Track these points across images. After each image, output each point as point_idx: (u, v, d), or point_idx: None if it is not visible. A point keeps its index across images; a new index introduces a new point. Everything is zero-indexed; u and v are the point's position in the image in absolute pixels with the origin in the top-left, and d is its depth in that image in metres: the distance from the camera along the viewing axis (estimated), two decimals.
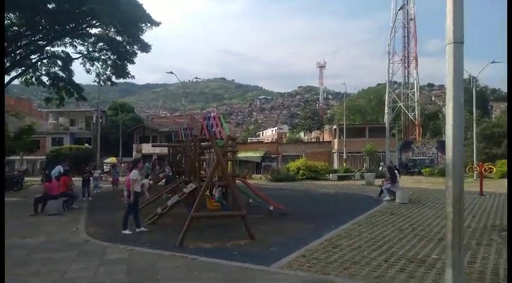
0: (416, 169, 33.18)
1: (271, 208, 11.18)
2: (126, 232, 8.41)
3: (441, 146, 33.97)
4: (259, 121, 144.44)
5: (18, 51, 23.69)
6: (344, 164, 33.06)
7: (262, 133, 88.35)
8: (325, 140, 44.07)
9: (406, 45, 45.51)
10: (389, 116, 35.53)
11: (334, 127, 40.53)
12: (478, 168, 20.06)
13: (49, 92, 26.49)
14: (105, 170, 27.79)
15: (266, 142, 48.94)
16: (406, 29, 45.28)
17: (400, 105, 45.52)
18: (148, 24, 23.22)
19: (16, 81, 26.08)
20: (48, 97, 26.89)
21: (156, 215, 9.62)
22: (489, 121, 37.62)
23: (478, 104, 29.95)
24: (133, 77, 26.68)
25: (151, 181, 18.68)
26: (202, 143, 11.86)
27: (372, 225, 9.07)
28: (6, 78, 24.39)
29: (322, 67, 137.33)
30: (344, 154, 34.39)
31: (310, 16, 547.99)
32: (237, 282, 5.09)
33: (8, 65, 23.74)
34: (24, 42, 23.52)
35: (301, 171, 27.89)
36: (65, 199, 12.59)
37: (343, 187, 21.31)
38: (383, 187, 14.51)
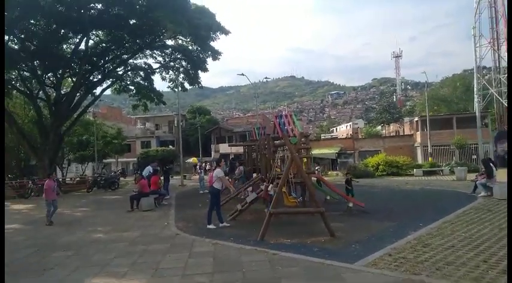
0: None
1: (351, 205, 10.86)
2: (211, 227, 8.90)
3: None
4: (332, 117, 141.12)
5: (106, 65, 26.56)
6: (429, 158, 30.59)
7: (336, 129, 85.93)
8: (405, 134, 41.23)
9: (495, 26, 40.16)
10: (480, 105, 31.94)
11: (416, 119, 37.72)
12: None
13: (135, 100, 29.24)
14: (207, 168, 30.02)
15: (341, 138, 47.28)
16: (493, 8, 39.95)
17: (492, 92, 40.58)
18: (218, 33, 24.15)
19: (108, 91, 29.32)
20: (135, 104, 29.64)
21: (237, 211, 10.01)
22: None
23: None
24: (201, 87, 28.66)
25: (230, 180, 19.50)
26: (275, 141, 11.99)
27: (467, 223, 8.27)
28: (99, 90, 27.67)
29: (398, 57, 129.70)
30: (429, 148, 31.80)
31: (382, 3, 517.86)
32: (320, 279, 5.04)
33: (99, 77, 26.84)
34: (111, 56, 26.29)
35: (380, 167, 26.57)
36: (156, 196, 13.77)
37: (430, 183, 19.69)
38: (477, 182, 13.14)
